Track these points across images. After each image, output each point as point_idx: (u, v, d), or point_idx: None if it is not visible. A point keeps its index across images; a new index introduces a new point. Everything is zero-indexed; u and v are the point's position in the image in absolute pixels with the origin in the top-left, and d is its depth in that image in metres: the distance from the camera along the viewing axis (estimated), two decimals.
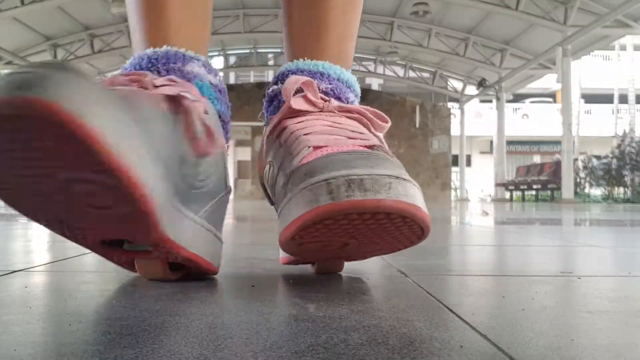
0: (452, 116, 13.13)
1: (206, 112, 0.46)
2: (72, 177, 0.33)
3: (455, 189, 13.75)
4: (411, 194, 0.38)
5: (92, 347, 0.29)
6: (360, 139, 0.45)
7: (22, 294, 0.45)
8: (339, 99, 0.53)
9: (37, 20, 9.56)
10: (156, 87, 0.44)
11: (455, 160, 13.59)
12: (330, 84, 0.52)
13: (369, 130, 0.49)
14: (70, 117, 0.28)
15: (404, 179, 0.38)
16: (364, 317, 0.37)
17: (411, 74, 13.42)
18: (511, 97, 12.96)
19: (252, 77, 17.19)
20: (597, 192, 10.71)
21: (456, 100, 13.85)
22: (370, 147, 0.44)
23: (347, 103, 0.53)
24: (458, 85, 13.64)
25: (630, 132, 11.12)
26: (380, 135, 0.50)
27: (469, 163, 18.11)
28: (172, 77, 0.46)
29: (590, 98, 20.70)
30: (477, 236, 1.31)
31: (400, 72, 13.49)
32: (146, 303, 0.41)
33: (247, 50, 13.30)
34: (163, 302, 0.41)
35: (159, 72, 0.48)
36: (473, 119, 18.66)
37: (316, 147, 0.44)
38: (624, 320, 0.37)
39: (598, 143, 17.39)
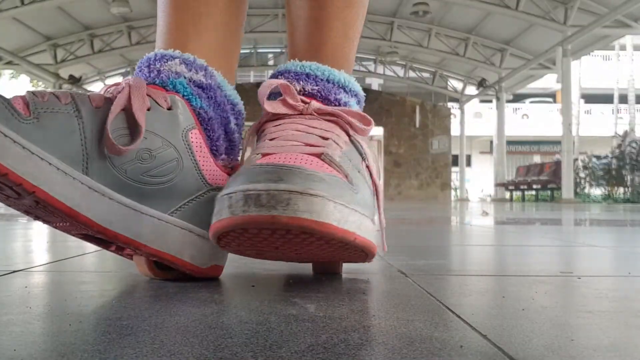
0: (452, 116, 13.13)
1: (149, 110, 0.47)
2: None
3: (455, 189, 13.75)
4: (316, 210, 0.36)
5: (92, 347, 0.29)
6: (315, 146, 0.44)
7: (22, 294, 0.45)
8: (327, 100, 0.51)
9: (37, 20, 9.55)
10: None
11: (455, 160, 13.59)
12: (316, 85, 0.51)
13: (347, 132, 0.48)
14: None
15: (310, 195, 0.36)
16: (364, 317, 0.37)
17: (411, 74, 13.43)
18: (511, 97, 12.96)
19: (252, 77, 17.19)
20: (597, 192, 10.71)
21: (456, 100, 13.85)
22: (318, 155, 0.43)
23: (339, 104, 0.52)
24: (458, 85, 13.64)
25: (630, 132, 11.12)
26: (360, 138, 0.49)
27: (469, 163, 18.12)
28: (126, 80, 0.48)
29: (590, 98, 20.70)
30: (477, 236, 1.31)
31: (400, 72, 13.49)
32: (146, 303, 0.41)
33: (247, 50, 13.30)
34: (163, 302, 0.41)
35: (149, 73, 0.51)
36: (473, 119, 18.67)
37: (264, 155, 0.43)
38: (623, 321, 0.37)
39: (598, 143, 17.39)
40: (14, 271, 0.57)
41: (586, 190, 10.76)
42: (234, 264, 0.65)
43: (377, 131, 13.54)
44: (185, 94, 0.50)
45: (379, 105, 12.63)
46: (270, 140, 0.46)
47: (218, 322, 0.35)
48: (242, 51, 0.68)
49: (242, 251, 0.44)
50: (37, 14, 9.24)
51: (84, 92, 0.48)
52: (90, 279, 0.53)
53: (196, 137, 0.49)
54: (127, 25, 10.80)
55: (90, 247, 0.85)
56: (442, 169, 12.89)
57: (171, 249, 0.47)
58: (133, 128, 0.45)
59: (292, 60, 0.53)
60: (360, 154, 0.48)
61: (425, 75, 13.46)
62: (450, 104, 13.90)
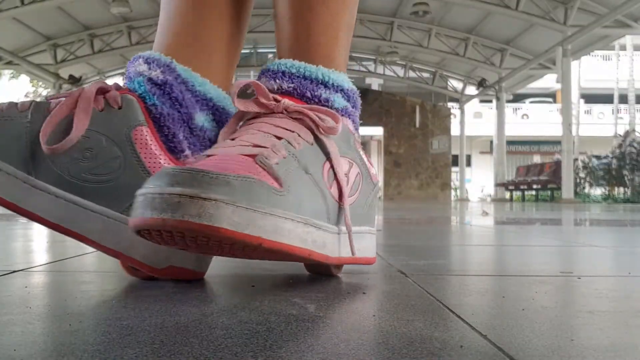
0: (452, 116, 13.14)
1: (102, 110, 0.49)
2: None
3: (455, 189, 13.76)
4: (207, 214, 0.36)
5: (92, 347, 0.29)
6: (259, 147, 0.44)
7: (22, 294, 0.45)
8: (304, 97, 0.50)
9: (37, 20, 9.56)
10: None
11: (455, 160, 13.60)
12: (292, 82, 0.51)
13: (313, 132, 0.47)
14: None
15: (202, 198, 0.36)
16: (363, 317, 0.37)
17: (411, 74, 13.43)
18: (511, 97, 12.96)
19: (252, 77, 17.21)
20: (597, 192, 10.71)
21: (456, 100, 13.85)
22: (253, 156, 0.42)
23: (319, 100, 0.51)
24: (458, 85, 13.64)
25: (631, 132, 11.12)
26: (324, 136, 0.48)
27: (468, 163, 18.12)
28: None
29: (590, 98, 20.71)
30: (477, 236, 1.30)
31: (400, 72, 13.49)
32: (146, 303, 0.41)
33: (247, 50, 13.31)
34: (163, 302, 0.41)
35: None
36: (473, 119, 18.68)
37: (208, 155, 0.44)
38: (624, 321, 0.37)
39: (598, 143, 17.39)
40: (14, 271, 0.57)
41: (586, 191, 10.76)
42: (233, 264, 0.65)
43: (377, 131, 13.56)
44: (140, 92, 0.51)
45: (379, 105, 12.63)
46: (232, 139, 0.46)
47: (218, 322, 0.35)
48: (242, 51, 0.70)
49: (170, 245, 0.42)
50: (37, 14, 9.25)
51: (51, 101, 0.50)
52: (91, 279, 0.53)
53: (141, 134, 0.49)
54: (127, 25, 10.81)
55: (89, 247, 0.85)
56: (442, 169, 12.89)
57: (122, 247, 0.48)
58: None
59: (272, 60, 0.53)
60: (326, 154, 0.47)
61: (425, 75, 13.47)
62: (450, 104, 13.91)
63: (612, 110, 18.71)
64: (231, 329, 0.33)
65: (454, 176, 13.56)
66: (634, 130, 11.57)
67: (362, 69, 13.38)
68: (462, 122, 13.52)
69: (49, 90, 11.86)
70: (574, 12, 8.27)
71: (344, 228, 0.48)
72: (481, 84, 11.84)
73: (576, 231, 1.53)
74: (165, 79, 0.51)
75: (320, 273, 0.56)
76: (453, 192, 13.29)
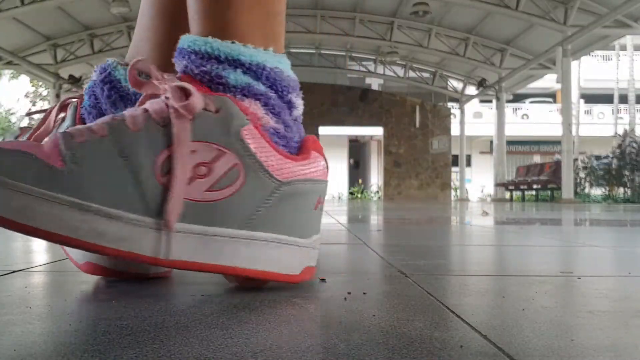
0: (452, 116, 13.14)
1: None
2: None
3: (455, 189, 13.76)
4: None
5: (92, 347, 0.29)
6: (104, 123, 0.41)
7: (22, 294, 0.45)
8: (194, 74, 0.45)
9: (37, 20, 9.56)
10: None
11: (455, 160, 13.60)
12: (183, 59, 0.45)
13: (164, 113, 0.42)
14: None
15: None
16: (364, 317, 0.37)
17: (411, 74, 13.42)
18: (511, 97, 12.96)
19: None
20: (597, 192, 10.71)
21: (456, 100, 13.85)
22: (102, 135, 0.40)
23: (205, 76, 0.44)
24: (458, 85, 13.64)
25: (631, 131, 11.12)
26: (176, 118, 0.41)
27: (468, 163, 18.11)
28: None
29: (590, 98, 20.71)
30: (477, 236, 1.31)
31: (400, 72, 13.49)
32: (146, 303, 0.41)
33: None
34: (163, 302, 0.41)
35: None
36: (473, 119, 18.67)
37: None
38: (624, 321, 0.37)
39: (598, 143, 17.39)
40: (14, 271, 0.57)
41: (586, 191, 10.76)
42: None
43: (377, 131, 13.55)
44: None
45: (379, 105, 12.63)
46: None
47: (218, 322, 0.35)
48: None
49: None
50: (37, 14, 9.24)
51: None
52: (90, 279, 0.53)
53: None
54: (126, 25, 10.80)
55: None
56: (442, 169, 12.89)
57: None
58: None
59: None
60: (168, 139, 0.41)
61: (425, 75, 13.46)
62: (450, 104, 13.91)
63: (612, 110, 18.71)
64: (231, 329, 0.33)
65: (454, 176, 13.55)
66: (633, 130, 11.57)
67: (362, 69, 13.38)
68: (462, 122, 13.52)
69: (49, 90, 11.85)
70: (574, 12, 8.27)
71: (186, 226, 0.41)
72: (481, 84, 11.84)
73: (576, 231, 1.53)
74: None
75: (247, 287, 0.48)
76: (453, 192, 13.29)
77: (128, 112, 0.42)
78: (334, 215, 2.47)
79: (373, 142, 18.56)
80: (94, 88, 0.53)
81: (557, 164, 9.82)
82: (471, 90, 13.17)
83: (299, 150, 0.48)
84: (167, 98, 0.42)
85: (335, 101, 12.10)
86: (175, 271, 0.59)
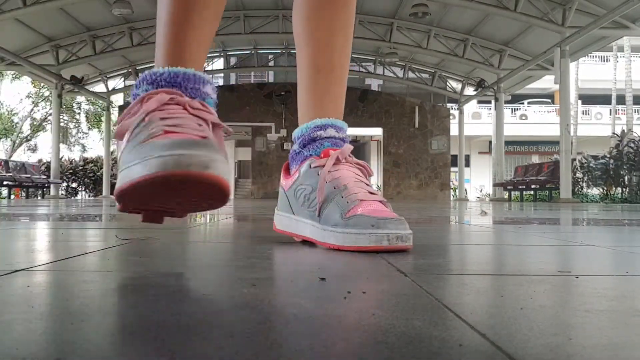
0: (450, 117, 13.14)
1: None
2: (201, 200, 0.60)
3: (454, 189, 13.76)
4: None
5: (94, 345, 0.29)
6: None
7: (24, 293, 0.45)
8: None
9: (39, 21, 9.55)
10: (193, 108, 0.64)
11: (454, 160, 13.61)
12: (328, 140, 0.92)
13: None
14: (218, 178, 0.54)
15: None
16: (363, 317, 0.37)
17: (410, 74, 13.43)
18: (509, 98, 12.97)
19: (252, 77, 17.17)
20: (594, 192, 10.72)
21: (455, 100, 13.86)
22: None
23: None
24: (457, 86, 13.65)
25: (628, 132, 11.13)
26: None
27: (467, 163, 18.11)
28: (201, 102, 0.65)
29: (588, 99, 20.72)
30: (475, 235, 1.31)
31: (400, 72, 13.49)
32: (147, 302, 0.41)
33: (248, 51, 13.29)
34: (164, 301, 0.42)
35: (185, 89, 0.67)
36: (472, 120, 18.66)
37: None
38: (621, 319, 0.38)
39: (596, 143, 17.40)
40: (16, 270, 0.57)
41: (584, 190, 10.77)
42: (234, 263, 0.65)
43: (377, 131, 13.55)
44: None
45: (379, 105, 12.63)
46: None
47: (219, 321, 0.35)
48: (242, 52, 0.92)
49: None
50: (39, 15, 9.24)
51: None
52: (92, 278, 0.53)
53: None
54: (128, 27, 10.78)
55: (91, 247, 0.85)
56: (441, 169, 12.89)
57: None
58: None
59: None
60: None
61: (425, 76, 13.47)
62: (449, 105, 13.92)
63: (610, 111, 18.72)
64: (232, 328, 0.33)
65: (452, 176, 13.56)
66: (630, 130, 11.58)
67: (362, 69, 13.37)
68: (460, 123, 13.53)
69: (51, 91, 11.84)
70: (572, 14, 8.28)
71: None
72: (480, 84, 11.84)
73: (574, 231, 1.54)
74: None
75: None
76: (452, 192, 13.29)
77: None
78: None
79: (372, 142, 18.55)
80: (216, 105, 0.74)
81: (555, 164, 9.83)
82: (470, 90, 13.18)
83: None
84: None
85: None
86: (174, 271, 0.59)
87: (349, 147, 0.87)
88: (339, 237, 0.77)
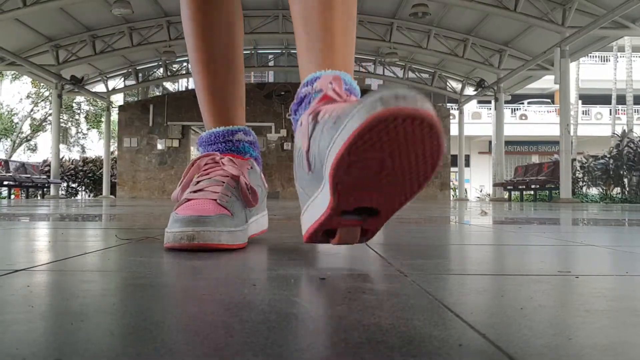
0: (450, 117, 13.14)
1: (251, 167, 0.89)
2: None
3: (454, 189, 13.75)
4: (427, 106, 0.49)
5: (94, 345, 0.29)
6: None
7: (24, 293, 0.45)
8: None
9: (39, 21, 9.54)
10: (223, 164, 0.83)
11: (454, 160, 13.60)
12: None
13: None
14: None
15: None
16: (363, 317, 0.37)
17: (410, 74, 13.43)
18: (509, 98, 12.96)
19: (252, 77, 17.18)
20: (594, 191, 10.73)
21: (455, 100, 13.86)
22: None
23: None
24: (457, 86, 13.64)
25: (629, 132, 11.13)
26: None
27: (467, 163, 18.11)
28: (232, 158, 0.84)
29: (588, 99, 20.72)
30: (475, 236, 1.31)
31: (400, 72, 13.49)
32: (147, 302, 0.41)
33: (248, 51, 13.29)
34: (164, 301, 0.42)
35: (224, 143, 0.90)
36: (472, 120, 18.66)
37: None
38: (621, 319, 0.38)
39: (596, 143, 17.40)
40: (16, 270, 0.57)
41: (584, 190, 10.77)
42: (234, 263, 0.65)
43: None
44: (249, 151, 0.92)
45: None
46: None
47: (219, 321, 0.35)
48: (243, 52, 1.00)
49: (351, 175, 0.52)
50: (39, 15, 9.23)
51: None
52: (92, 278, 0.53)
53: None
54: (128, 27, 10.78)
55: (91, 246, 0.85)
56: (440, 169, 12.86)
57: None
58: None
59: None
60: None
61: (425, 75, 13.46)
62: (449, 105, 13.91)
63: (610, 111, 18.72)
64: (232, 328, 0.33)
65: (452, 176, 13.56)
66: (631, 130, 11.58)
67: (362, 69, 13.38)
68: (460, 123, 13.52)
69: (51, 91, 11.84)
70: (572, 14, 8.27)
71: None
72: (480, 84, 11.84)
73: (574, 230, 1.54)
74: (253, 137, 0.96)
75: (345, 244, 0.62)
76: (452, 192, 13.29)
77: None
78: None
79: None
80: (256, 143, 0.97)
81: (555, 164, 9.83)
82: (470, 90, 13.18)
83: None
84: None
85: None
86: (174, 271, 0.59)
87: (334, 78, 0.62)
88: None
